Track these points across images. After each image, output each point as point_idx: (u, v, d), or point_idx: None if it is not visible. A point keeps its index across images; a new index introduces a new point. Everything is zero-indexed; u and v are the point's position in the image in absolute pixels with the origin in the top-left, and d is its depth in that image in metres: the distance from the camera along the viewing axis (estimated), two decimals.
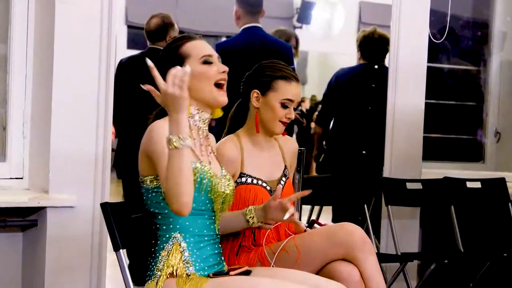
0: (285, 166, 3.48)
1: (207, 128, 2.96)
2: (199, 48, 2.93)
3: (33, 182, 3.89)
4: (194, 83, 2.85)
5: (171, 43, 2.95)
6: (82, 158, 3.83)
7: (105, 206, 2.92)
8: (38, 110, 3.89)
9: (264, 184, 3.36)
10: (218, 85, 2.92)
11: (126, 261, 2.94)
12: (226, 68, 2.94)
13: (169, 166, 2.58)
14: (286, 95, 3.35)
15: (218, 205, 2.89)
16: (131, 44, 14.35)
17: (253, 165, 3.36)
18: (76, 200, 3.78)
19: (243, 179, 3.32)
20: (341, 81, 5.75)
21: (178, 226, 2.82)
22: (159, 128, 2.76)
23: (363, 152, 5.57)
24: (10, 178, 3.89)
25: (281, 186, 3.33)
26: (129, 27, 14.64)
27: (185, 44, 2.93)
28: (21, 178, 3.91)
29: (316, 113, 15.46)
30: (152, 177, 2.81)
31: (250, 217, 3.07)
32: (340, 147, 5.73)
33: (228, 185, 2.94)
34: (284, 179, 3.44)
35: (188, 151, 2.58)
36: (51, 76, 3.79)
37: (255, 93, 3.38)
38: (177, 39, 2.95)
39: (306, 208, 5.26)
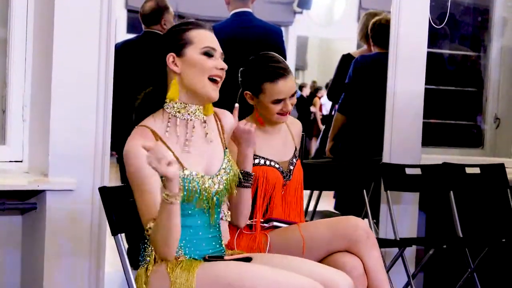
0: (295, 148, 3.56)
1: (200, 116, 2.89)
2: (204, 38, 2.86)
3: (33, 166, 3.89)
4: (189, 71, 2.83)
5: (177, 25, 2.89)
6: (82, 141, 3.83)
7: (103, 190, 2.92)
8: (37, 94, 3.88)
9: (277, 166, 3.44)
10: (212, 80, 2.85)
11: (124, 245, 2.95)
12: (225, 66, 2.87)
13: (161, 217, 2.61)
14: (274, 96, 3.42)
15: (212, 203, 2.86)
16: (131, 28, 14.33)
17: (265, 147, 3.44)
18: (76, 184, 3.78)
19: (256, 161, 3.39)
20: (366, 69, 5.72)
21: None
22: (133, 149, 2.73)
23: None
24: (10, 161, 3.89)
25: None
26: (129, 11, 14.62)
27: (191, 30, 2.86)
28: (21, 161, 3.91)
29: (320, 99, 15.47)
30: None
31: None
32: (363, 135, 5.72)
33: (226, 179, 2.90)
34: (294, 160, 3.49)
35: (177, 207, 2.59)
36: (51, 59, 3.78)
37: (247, 94, 3.48)
38: (185, 23, 2.89)
39: (305, 193, 5.26)
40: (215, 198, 2.86)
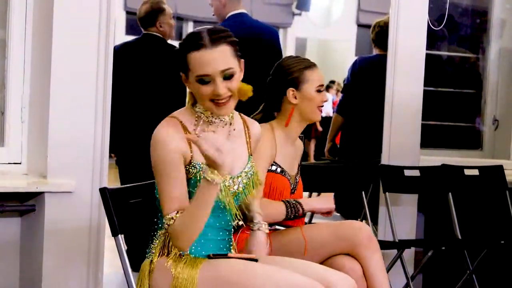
0: (300, 164, 3.65)
1: (226, 119, 2.89)
2: (200, 64, 2.76)
3: (32, 167, 3.89)
4: (195, 93, 2.85)
5: (182, 44, 2.83)
6: (81, 143, 3.83)
7: (104, 191, 2.92)
8: (36, 95, 3.88)
9: (288, 177, 3.49)
10: (213, 101, 2.81)
11: (124, 247, 2.95)
12: (221, 93, 2.76)
13: (197, 203, 2.67)
14: (318, 82, 3.54)
15: (230, 203, 2.84)
16: (129, 30, 14.33)
17: (283, 156, 3.50)
18: (75, 185, 3.78)
19: (273, 168, 3.46)
20: (366, 68, 5.73)
21: None
22: (165, 136, 2.76)
23: None
24: (9, 163, 3.89)
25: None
26: (127, 13, 14.61)
27: (191, 53, 2.77)
28: (19, 163, 3.91)
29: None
30: None
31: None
32: (363, 135, 5.73)
33: (246, 183, 2.90)
34: (298, 175, 3.57)
35: (216, 192, 2.66)
36: (49, 61, 3.78)
37: (291, 91, 3.53)
38: (187, 42, 2.81)
39: (304, 196, 5.26)
40: (232, 198, 2.85)
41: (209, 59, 2.75)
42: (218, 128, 2.88)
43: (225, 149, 2.58)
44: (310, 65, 3.55)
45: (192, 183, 2.79)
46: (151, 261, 2.82)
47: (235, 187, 2.86)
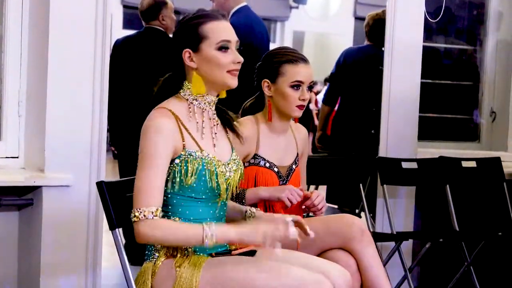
0: (297, 153, 3.52)
1: (213, 108, 2.90)
2: (218, 31, 2.80)
3: (29, 161, 3.89)
4: (206, 67, 2.80)
5: (191, 18, 2.83)
6: (78, 137, 3.83)
7: (100, 185, 2.92)
8: (33, 89, 3.88)
9: (276, 169, 3.41)
10: (229, 72, 2.83)
11: (122, 240, 2.94)
12: (241, 59, 2.83)
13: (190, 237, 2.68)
14: (294, 77, 3.37)
15: (223, 190, 2.84)
16: (126, 24, 14.33)
17: (267, 149, 3.39)
18: (72, 179, 3.78)
19: (256, 161, 3.38)
20: (350, 61, 5.78)
21: (177, 214, 2.80)
22: (157, 124, 2.73)
23: (372, 131, 5.58)
24: (6, 157, 3.89)
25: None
26: (124, 7, 14.61)
27: (206, 23, 2.80)
28: (17, 157, 3.91)
29: (317, 94, 15.49)
30: None
31: (249, 217, 3.04)
32: (348, 126, 5.77)
33: (236, 170, 2.89)
34: (294, 166, 3.47)
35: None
36: (46, 55, 3.78)
37: (265, 83, 3.42)
38: (199, 15, 2.82)
39: None
40: (225, 184, 2.84)
41: (223, 26, 2.85)
42: (204, 116, 2.87)
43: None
44: (294, 59, 3.38)
45: (185, 171, 2.76)
46: (155, 263, 2.79)
47: (227, 174, 2.85)
